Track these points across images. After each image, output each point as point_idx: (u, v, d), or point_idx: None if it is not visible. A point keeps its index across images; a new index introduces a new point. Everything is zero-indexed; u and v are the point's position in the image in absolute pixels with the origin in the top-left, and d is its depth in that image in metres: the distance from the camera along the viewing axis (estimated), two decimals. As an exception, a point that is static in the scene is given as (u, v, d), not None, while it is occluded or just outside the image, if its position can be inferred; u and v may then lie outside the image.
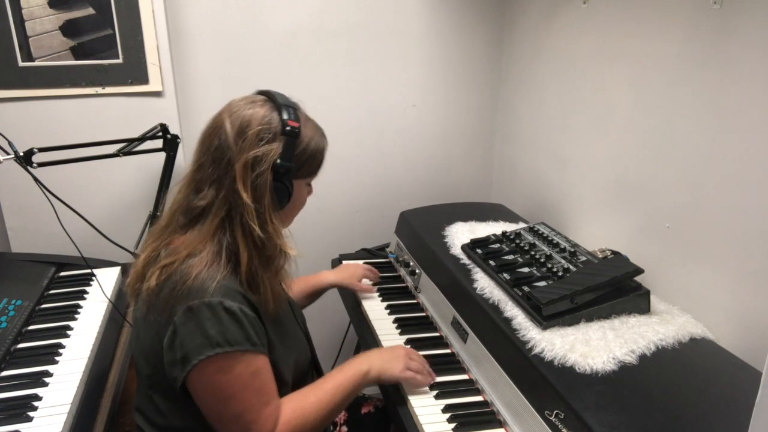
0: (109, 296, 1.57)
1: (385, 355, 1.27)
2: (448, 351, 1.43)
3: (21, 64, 1.69)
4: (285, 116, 1.09)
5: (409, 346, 1.41)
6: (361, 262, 1.79)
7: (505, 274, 1.40)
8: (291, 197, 1.12)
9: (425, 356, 1.39)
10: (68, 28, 1.69)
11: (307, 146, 1.13)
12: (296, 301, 1.48)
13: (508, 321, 1.28)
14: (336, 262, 1.90)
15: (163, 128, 1.70)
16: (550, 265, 1.39)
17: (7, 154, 1.41)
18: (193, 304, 0.99)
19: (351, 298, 1.71)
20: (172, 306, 1.01)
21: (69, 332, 1.44)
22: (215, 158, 1.06)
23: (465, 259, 1.57)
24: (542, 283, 1.33)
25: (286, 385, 1.14)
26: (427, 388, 1.28)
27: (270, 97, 1.13)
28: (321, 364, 1.48)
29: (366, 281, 1.71)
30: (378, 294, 1.69)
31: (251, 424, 1.03)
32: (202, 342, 0.99)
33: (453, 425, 1.17)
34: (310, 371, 1.29)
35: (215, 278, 1.01)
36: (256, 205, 1.05)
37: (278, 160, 1.07)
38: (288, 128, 1.08)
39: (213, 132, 1.08)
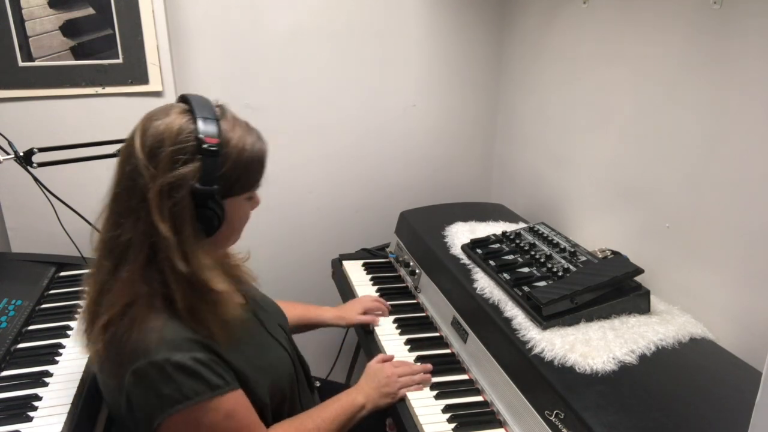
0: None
1: (375, 383, 1.25)
2: (448, 351, 1.43)
3: (21, 64, 1.69)
4: (202, 131, 0.93)
5: (414, 361, 1.38)
6: (374, 294, 1.66)
7: (505, 274, 1.40)
8: (223, 220, 0.98)
9: (425, 356, 1.39)
10: (68, 28, 1.69)
11: (238, 159, 0.97)
12: (291, 324, 1.40)
13: (508, 321, 1.28)
14: (336, 263, 1.90)
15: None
16: (550, 265, 1.39)
17: (7, 154, 1.41)
18: (138, 367, 0.90)
19: (351, 298, 1.70)
20: (119, 370, 0.92)
21: (69, 332, 1.43)
22: (129, 187, 0.94)
23: (465, 259, 1.57)
24: (542, 283, 1.33)
25: (266, 407, 1.07)
26: (428, 389, 1.28)
27: (189, 104, 0.98)
28: (319, 365, 1.48)
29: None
30: (378, 294, 1.69)
31: None
32: (159, 403, 0.91)
33: (453, 425, 1.17)
34: (297, 389, 1.20)
35: (156, 329, 0.92)
36: (177, 237, 0.92)
37: (197, 185, 0.92)
38: (205, 146, 0.93)
39: (126, 155, 0.96)
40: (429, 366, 1.33)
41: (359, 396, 1.22)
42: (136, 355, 0.91)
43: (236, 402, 0.98)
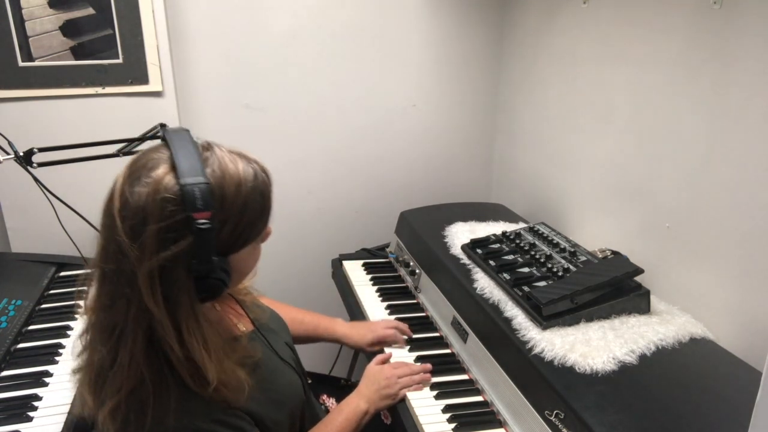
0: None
1: (374, 387, 1.25)
2: (448, 351, 1.43)
3: (21, 64, 1.69)
4: (189, 203, 0.79)
5: (414, 361, 1.37)
6: (391, 318, 1.55)
7: (505, 274, 1.40)
8: (230, 279, 0.88)
9: (425, 356, 1.39)
10: (68, 28, 1.69)
11: (240, 218, 0.86)
12: (299, 335, 1.38)
13: (508, 321, 1.28)
14: (336, 263, 1.90)
15: (163, 128, 1.70)
16: (550, 265, 1.39)
17: (7, 154, 1.41)
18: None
19: (351, 299, 1.70)
20: None
21: (69, 332, 1.44)
22: (115, 270, 0.83)
23: (465, 259, 1.57)
24: (542, 283, 1.33)
25: (282, 426, 1.05)
26: (427, 389, 1.28)
27: (171, 154, 0.84)
28: (320, 366, 1.48)
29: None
30: (378, 294, 1.69)
31: None
32: None
33: (453, 425, 1.17)
34: (307, 406, 1.18)
35: (170, 404, 0.85)
36: (171, 318, 0.83)
37: (193, 261, 0.82)
38: (199, 224, 0.80)
39: (108, 231, 0.84)
40: (428, 366, 1.33)
41: (361, 402, 1.22)
42: None
43: None
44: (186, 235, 0.80)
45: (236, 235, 0.87)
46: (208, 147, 0.88)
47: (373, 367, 1.32)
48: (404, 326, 1.48)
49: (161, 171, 0.82)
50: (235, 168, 0.86)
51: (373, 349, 1.43)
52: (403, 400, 1.26)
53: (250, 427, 0.94)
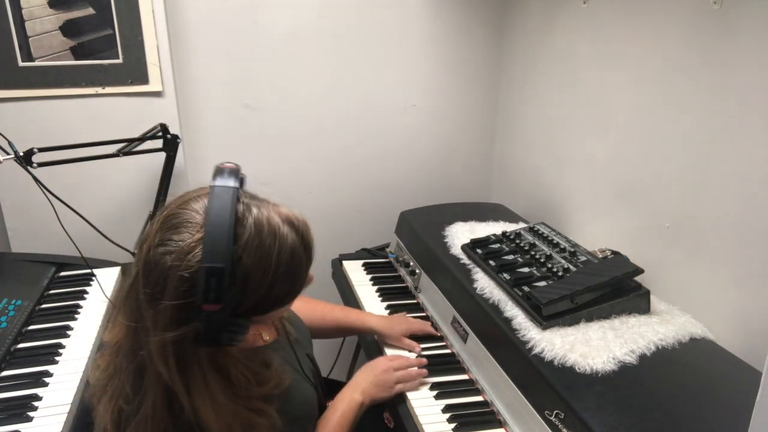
0: (109, 296, 1.57)
1: (370, 378, 1.25)
2: (448, 351, 1.43)
3: (21, 64, 1.69)
4: (202, 296, 0.77)
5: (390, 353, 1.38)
6: (409, 316, 1.54)
7: (505, 274, 1.40)
8: (249, 329, 0.86)
9: (425, 356, 1.39)
10: (68, 28, 1.69)
11: (268, 294, 0.83)
12: (324, 327, 1.41)
13: (508, 321, 1.28)
14: (336, 263, 1.90)
15: (163, 128, 1.70)
16: (550, 265, 1.39)
17: (7, 154, 1.41)
18: None
19: (351, 299, 1.71)
20: None
21: (69, 332, 1.44)
22: (136, 324, 0.83)
23: (465, 259, 1.57)
24: (542, 283, 1.33)
25: None
26: (427, 389, 1.28)
27: (205, 218, 0.80)
28: (322, 365, 1.48)
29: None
30: (378, 294, 1.69)
31: None
32: None
33: (453, 425, 1.17)
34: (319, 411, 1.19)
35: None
36: (183, 381, 0.82)
37: (199, 337, 0.80)
38: (207, 314, 0.78)
39: (135, 279, 0.82)
40: (424, 360, 1.33)
41: (355, 394, 1.21)
42: None
43: None
44: (194, 319, 0.78)
45: (262, 306, 0.85)
46: (248, 208, 0.83)
47: (370, 361, 1.32)
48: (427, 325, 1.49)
49: (189, 240, 0.79)
50: (270, 240, 0.82)
51: (406, 343, 1.42)
52: (401, 396, 1.26)
53: None
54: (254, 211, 0.83)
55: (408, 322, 1.48)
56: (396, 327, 1.45)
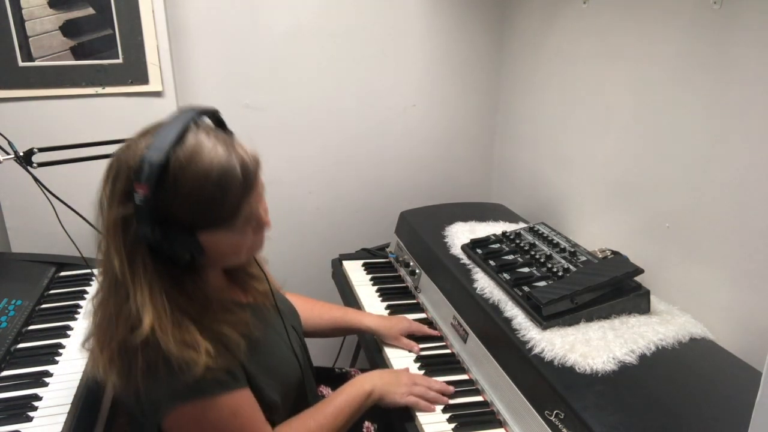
0: (109, 296, 1.57)
1: (387, 377, 1.24)
2: (448, 351, 1.43)
3: (21, 64, 1.69)
4: (136, 176, 0.87)
5: (420, 372, 1.34)
6: (409, 317, 1.53)
7: (505, 274, 1.40)
8: (201, 252, 0.94)
9: (425, 356, 1.39)
10: (68, 28, 1.69)
11: (196, 203, 0.91)
12: (322, 326, 1.42)
13: (508, 321, 1.28)
14: (336, 263, 1.90)
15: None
16: (550, 265, 1.39)
17: (7, 154, 1.41)
18: (151, 359, 0.90)
19: (351, 299, 1.71)
20: (132, 367, 0.91)
21: (69, 332, 1.44)
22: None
23: (465, 259, 1.57)
24: (542, 283, 1.33)
25: (278, 408, 1.07)
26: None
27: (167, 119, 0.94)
28: (321, 365, 1.48)
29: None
30: (378, 294, 1.69)
31: None
32: (168, 394, 0.92)
33: (453, 425, 1.17)
34: (305, 387, 1.21)
35: (168, 330, 0.91)
36: (131, 273, 0.91)
37: (138, 226, 0.89)
38: (137, 194, 0.87)
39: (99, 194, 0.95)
40: (450, 389, 1.26)
41: (366, 383, 1.19)
42: (152, 349, 0.90)
43: (243, 400, 0.99)
44: (130, 201, 0.88)
45: (192, 216, 0.91)
46: (197, 129, 0.93)
47: (397, 368, 1.32)
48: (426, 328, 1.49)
49: (144, 139, 0.92)
50: (209, 157, 0.90)
51: (400, 342, 1.42)
52: (408, 412, 1.22)
53: (241, 377, 0.98)
54: (205, 133, 0.93)
55: (407, 321, 1.48)
56: (394, 326, 1.45)
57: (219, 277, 1.08)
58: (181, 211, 0.90)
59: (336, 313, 1.47)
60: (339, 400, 1.15)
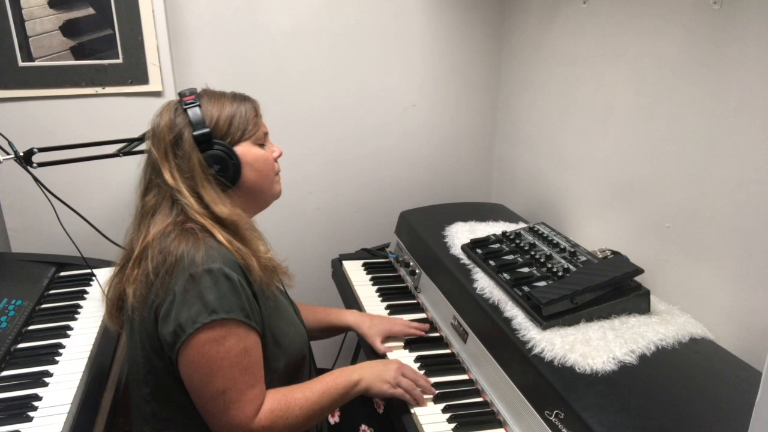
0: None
1: (376, 368, 1.25)
2: (448, 351, 1.43)
3: (21, 64, 1.69)
4: (182, 96, 1.14)
5: (421, 372, 1.34)
6: (405, 318, 1.52)
7: (505, 274, 1.40)
8: (236, 163, 1.13)
9: (425, 356, 1.39)
10: (68, 28, 1.69)
11: (219, 116, 1.15)
12: (310, 325, 1.43)
13: (508, 321, 1.28)
14: (336, 263, 1.90)
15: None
16: (550, 265, 1.39)
17: (7, 154, 1.41)
18: (194, 272, 1.00)
19: (351, 299, 1.71)
20: (171, 279, 1.01)
21: (69, 332, 1.44)
22: (150, 165, 1.14)
23: (465, 259, 1.57)
24: (542, 283, 1.33)
25: (277, 372, 1.13)
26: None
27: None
28: (321, 365, 1.48)
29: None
30: (378, 294, 1.69)
31: (233, 403, 1.02)
32: (199, 309, 1.00)
33: (453, 425, 1.17)
34: (307, 367, 1.26)
35: (207, 246, 1.03)
36: (187, 183, 1.09)
37: (193, 132, 1.09)
38: (185, 104, 1.12)
39: (147, 156, 1.17)
40: (434, 391, 1.26)
41: (354, 373, 1.21)
42: (191, 262, 1.01)
43: (255, 344, 1.06)
44: (179, 117, 1.11)
45: (222, 127, 1.14)
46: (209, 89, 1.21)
47: (386, 358, 1.33)
48: (424, 326, 1.49)
49: (172, 100, 1.17)
50: (220, 94, 1.19)
51: (379, 345, 1.42)
52: (399, 401, 1.24)
53: (257, 324, 1.06)
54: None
55: (390, 323, 1.47)
56: (374, 326, 1.45)
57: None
58: (219, 129, 1.13)
59: (320, 314, 1.50)
60: (328, 381, 1.17)
